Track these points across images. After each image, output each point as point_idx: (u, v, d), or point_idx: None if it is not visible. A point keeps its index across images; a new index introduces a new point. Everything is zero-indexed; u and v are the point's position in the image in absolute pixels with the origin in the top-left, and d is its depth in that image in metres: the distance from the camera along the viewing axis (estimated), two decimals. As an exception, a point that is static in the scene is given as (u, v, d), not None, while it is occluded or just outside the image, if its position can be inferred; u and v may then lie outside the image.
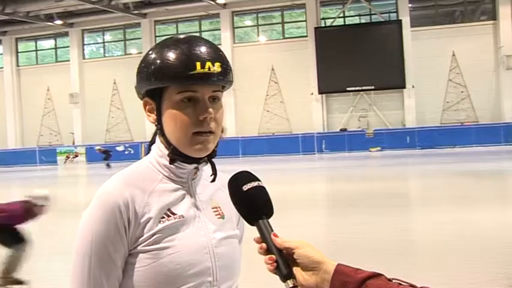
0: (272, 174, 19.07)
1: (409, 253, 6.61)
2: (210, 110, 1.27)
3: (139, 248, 1.25)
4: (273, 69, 30.88)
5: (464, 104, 28.54)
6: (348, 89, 29.10)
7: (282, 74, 30.64)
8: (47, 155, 33.45)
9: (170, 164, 1.32)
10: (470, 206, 9.57)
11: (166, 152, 1.32)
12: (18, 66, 36.15)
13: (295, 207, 11.18)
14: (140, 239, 1.25)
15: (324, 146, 28.94)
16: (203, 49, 1.29)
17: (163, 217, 1.28)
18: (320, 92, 29.63)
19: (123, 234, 1.24)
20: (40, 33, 34.99)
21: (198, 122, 1.27)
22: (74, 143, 33.85)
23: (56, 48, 35.95)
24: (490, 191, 12.07)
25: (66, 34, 34.79)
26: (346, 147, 28.41)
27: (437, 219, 8.51)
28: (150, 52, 1.33)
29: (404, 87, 28.62)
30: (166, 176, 1.33)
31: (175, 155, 1.31)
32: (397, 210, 9.39)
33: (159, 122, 1.32)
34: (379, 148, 27.98)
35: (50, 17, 32.24)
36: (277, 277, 1.15)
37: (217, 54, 1.30)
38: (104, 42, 35.28)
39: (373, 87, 28.75)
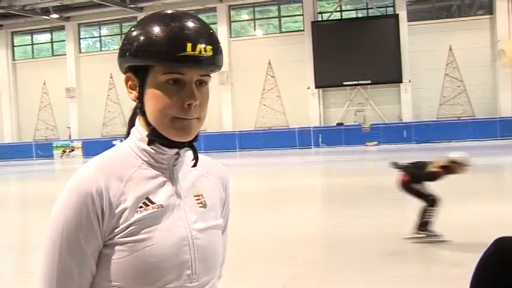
0: (269, 168, 19.12)
1: (406, 247, 6.64)
2: (197, 96, 1.19)
3: (115, 239, 1.18)
4: (269, 64, 30.84)
5: (461, 98, 28.58)
6: (344, 83, 29.09)
7: (278, 68, 30.61)
8: (44, 149, 33.37)
9: (149, 145, 1.23)
10: (466, 200, 9.60)
11: (146, 133, 1.24)
12: (14, 60, 36.01)
13: (292, 201, 11.22)
14: (116, 230, 1.18)
15: (320, 140, 28.96)
16: (194, 28, 1.19)
17: (141, 206, 1.20)
18: (317, 86, 29.62)
19: (96, 225, 1.17)
20: (36, 27, 34.81)
21: (182, 108, 1.19)
22: (70, 137, 33.79)
23: (52, 42, 35.78)
24: (486, 186, 12.10)
25: (62, 28, 34.64)
26: (343, 142, 28.43)
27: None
28: (136, 26, 1.23)
29: (401, 81, 28.63)
30: (145, 162, 1.25)
31: (155, 137, 1.22)
32: (395, 204, 9.40)
33: (140, 100, 1.23)
34: (375, 142, 28.01)
35: (45, 11, 32.09)
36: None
37: (209, 36, 1.21)
38: (100, 36, 35.13)
39: (369, 81, 28.75)
